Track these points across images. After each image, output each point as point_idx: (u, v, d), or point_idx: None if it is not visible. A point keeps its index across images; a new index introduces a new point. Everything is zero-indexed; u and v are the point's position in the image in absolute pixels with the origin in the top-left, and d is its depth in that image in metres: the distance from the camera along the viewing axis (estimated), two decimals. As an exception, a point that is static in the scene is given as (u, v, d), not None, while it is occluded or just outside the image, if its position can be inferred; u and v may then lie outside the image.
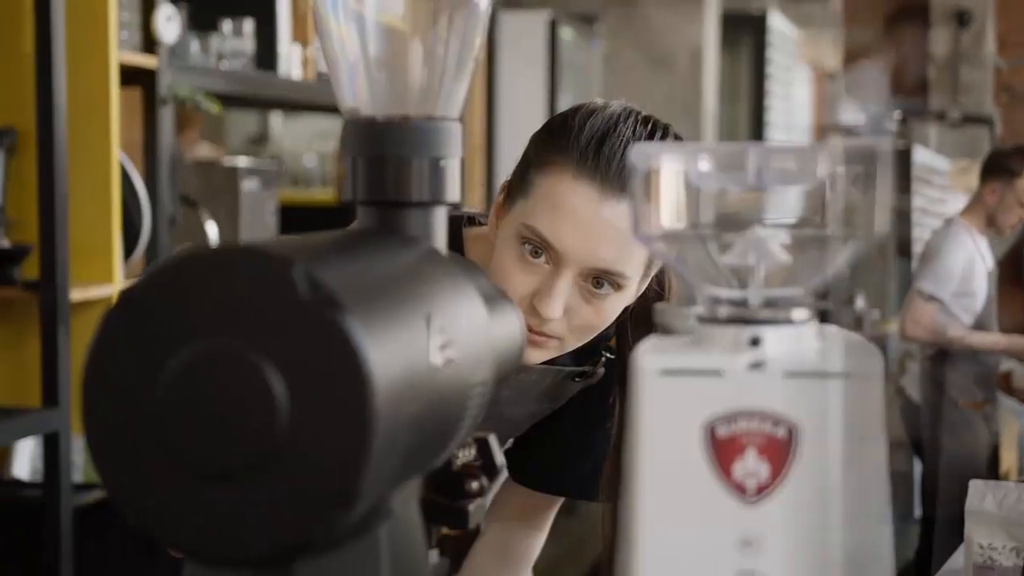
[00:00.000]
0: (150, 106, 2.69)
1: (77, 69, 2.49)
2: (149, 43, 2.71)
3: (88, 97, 2.52)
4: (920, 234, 7.10)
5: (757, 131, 7.47)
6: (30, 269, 2.45)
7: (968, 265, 4.30)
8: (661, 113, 1.36)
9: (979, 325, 4.36)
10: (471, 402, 0.75)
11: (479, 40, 0.85)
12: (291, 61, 3.27)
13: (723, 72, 6.93)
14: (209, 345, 0.62)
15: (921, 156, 7.05)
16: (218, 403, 0.61)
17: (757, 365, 0.69)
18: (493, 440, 0.90)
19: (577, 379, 1.45)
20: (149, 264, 2.65)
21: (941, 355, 4.34)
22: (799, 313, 0.72)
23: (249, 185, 3.12)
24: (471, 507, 0.85)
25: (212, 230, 2.97)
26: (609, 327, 1.37)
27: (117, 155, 2.53)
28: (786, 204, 0.74)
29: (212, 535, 0.62)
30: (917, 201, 6.64)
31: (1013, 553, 1.97)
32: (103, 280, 2.52)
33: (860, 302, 3.85)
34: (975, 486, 2.06)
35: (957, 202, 8.59)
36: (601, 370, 1.45)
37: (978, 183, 4.43)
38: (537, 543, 1.56)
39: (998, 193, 4.30)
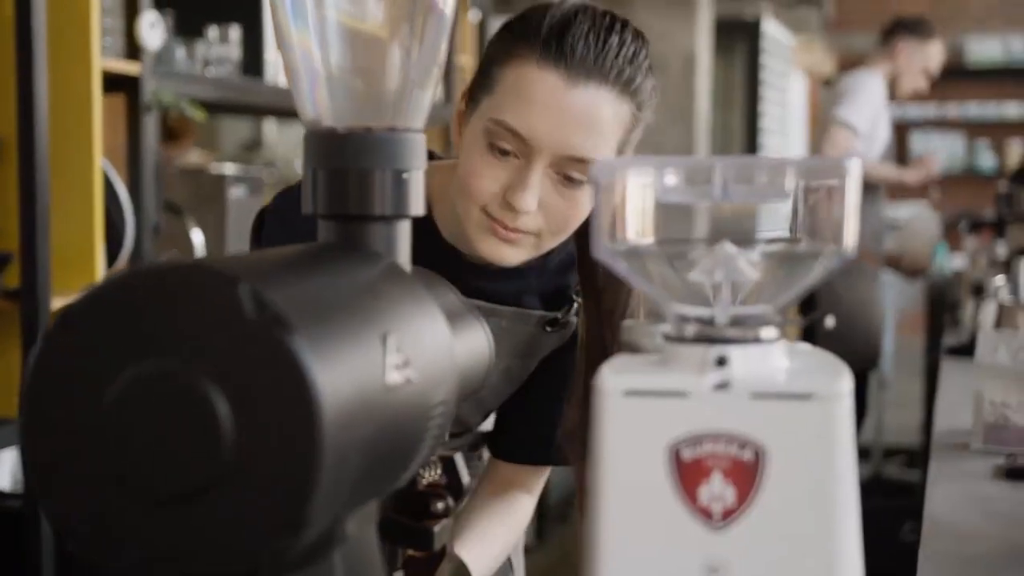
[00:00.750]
0: (134, 113, 2.66)
1: (60, 76, 2.47)
2: (133, 49, 2.68)
3: (71, 104, 2.49)
4: (765, 108, 7.27)
5: (751, 137, 7.45)
6: (11, 277, 2.43)
7: (878, 111, 4.45)
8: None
9: None
10: (432, 422, 0.73)
11: (444, 47, 0.83)
12: (278, 68, 3.25)
13: (717, 78, 6.91)
14: (152, 366, 0.60)
15: (770, 28, 7.11)
16: (161, 426, 0.59)
17: (723, 386, 0.67)
18: (459, 459, 0.88)
19: (549, 328, 1.43)
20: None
21: None
22: (767, 332, 0.70)
23: (236, 192, 3.10)
24: (436, 528, 0.83)
25: (197, 238, 2.95)
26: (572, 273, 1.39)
27: (100, 162, 2.51)
28: (756, 219, 0.72)
29: (156, 562, 0.60)
30: (763, 75, 6.87)
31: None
32: (86, 288, 2.49)
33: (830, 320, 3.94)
34: (986, 336, 1.92)
35: (798, 78, 8.68)
36: (574, 319, 1.45)
37: (881, 42, 4.59)
38: (530, 507, 1.54)
39: (906, 54, 4.45)
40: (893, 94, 4.57)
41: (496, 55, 1.29)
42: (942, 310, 4.70)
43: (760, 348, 0.69)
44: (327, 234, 0.79)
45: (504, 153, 1.26)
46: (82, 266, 2.49)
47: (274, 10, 0.81)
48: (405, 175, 0.79)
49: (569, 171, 1.26)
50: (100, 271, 2.50)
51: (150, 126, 2.68)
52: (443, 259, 1.35)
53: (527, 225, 1.28)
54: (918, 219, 4.85)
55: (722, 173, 0.68)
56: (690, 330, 0.70)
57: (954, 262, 6.24)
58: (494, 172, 1.27)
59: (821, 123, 4.49)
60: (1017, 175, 4.15)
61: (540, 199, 1.26)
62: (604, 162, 0.69)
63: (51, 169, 2.42)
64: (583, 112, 1.24)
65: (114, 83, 2.65)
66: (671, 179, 0.69)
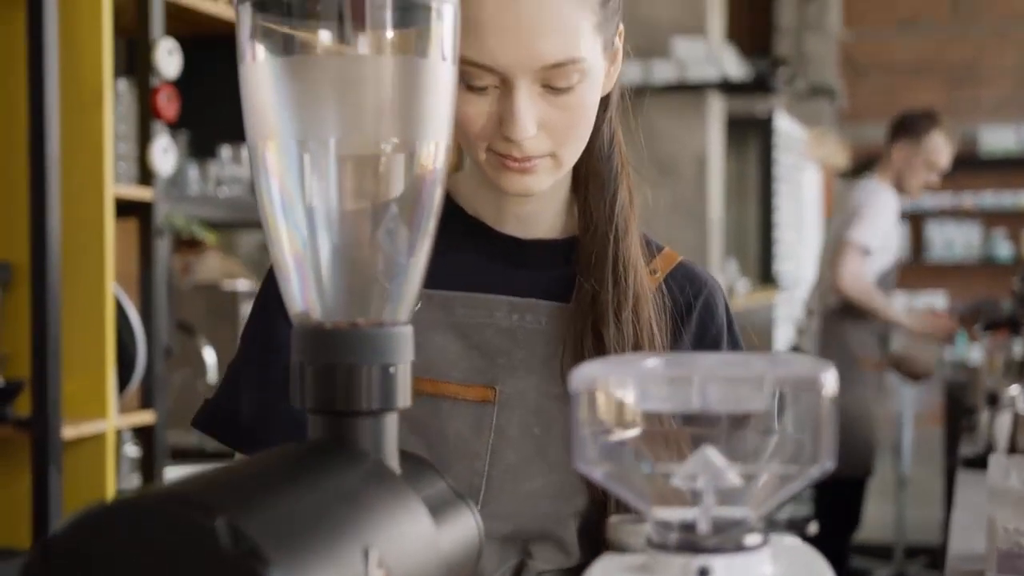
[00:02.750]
0: (146, 237, 2.69)
1: (72, 202, 2.50)
2: (146, 174, 2.72)
3: (83, 230, 2.52)
4: (779, 203, 7.26)
5: (766, 232, 7.47)
6: (22, 406, 2.43)
7: (891, 224, 4.47)
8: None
9: (882, 281, 4.52)
10: (416, 627, 0.72)
11: (428, 245, 0.84)
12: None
13: (730, 174, 6.95)
14: (130, 599, 0.60)
15: (783, 123, 7.12)
16: (139, 660, 0.59)
17: (705, 600, 0.66)
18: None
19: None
20: (145, 397, 2.63)
21: (844, 310, 4.44)
22: (751, 538, 0.69)
23: (249, 308, 3.11)
24: None
25: (210, 357, 2.96)
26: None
27: (112, 289, 2.53)
28: (737, 427, 0.72)
29: None
30: (777, 170, 6.87)
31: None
32: (97, 416, 2.50)
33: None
34: (997, 461, 1.89)
35: (812, 170, 8.69)
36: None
37: (885, 145, 4.61)
38: None
39: (905, 153, 4.46)
40: (904, 190, 4.59)
41: None
42: (959, 412, 4.67)
43: (744, 557, 0.69)
44: (315, 429, 0.80)
45: (483, 89, 1.18)
46: (93, 393, 2.50)
47: (261, 207, 0.82)
48: (392, 369, 0.80)
49: (553, 81, 1.17)
50: (111, 398, 2.50)
51: (162, 250, 2.70)
52: (471, 244, 1.30)
53: (536, 149, 1.20)
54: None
55: (700, 382, 0.68)
56: (672, 538, 0.69)
57: (973, 353, 6.21)
58: (480, 109, 1.18)
59: (834, 241, 4.50)
60: (1028, 276, 4.16)
61: (538, 119, 1.18)
62: (583, 372, 0.70)
63: (63, 295, 2.44)
64: (537, 16, 1.15)
65: (127, 208, 2.68)
66: (649, 387, 0.69)
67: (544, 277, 1.30)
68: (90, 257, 2.51)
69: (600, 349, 1.21)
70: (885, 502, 6.41)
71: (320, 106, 0.80)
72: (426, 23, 0.79)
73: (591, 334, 1.23)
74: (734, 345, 1.33)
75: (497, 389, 1.23)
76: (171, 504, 0.61)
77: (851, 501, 4.54)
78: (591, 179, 1.33)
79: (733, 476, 0.70)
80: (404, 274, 0.82)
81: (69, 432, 2.43)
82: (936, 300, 10.41)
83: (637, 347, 1.22)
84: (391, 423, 0.80)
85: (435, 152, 0.81)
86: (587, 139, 1.24)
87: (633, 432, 0.71)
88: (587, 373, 0.70)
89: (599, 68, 1.22)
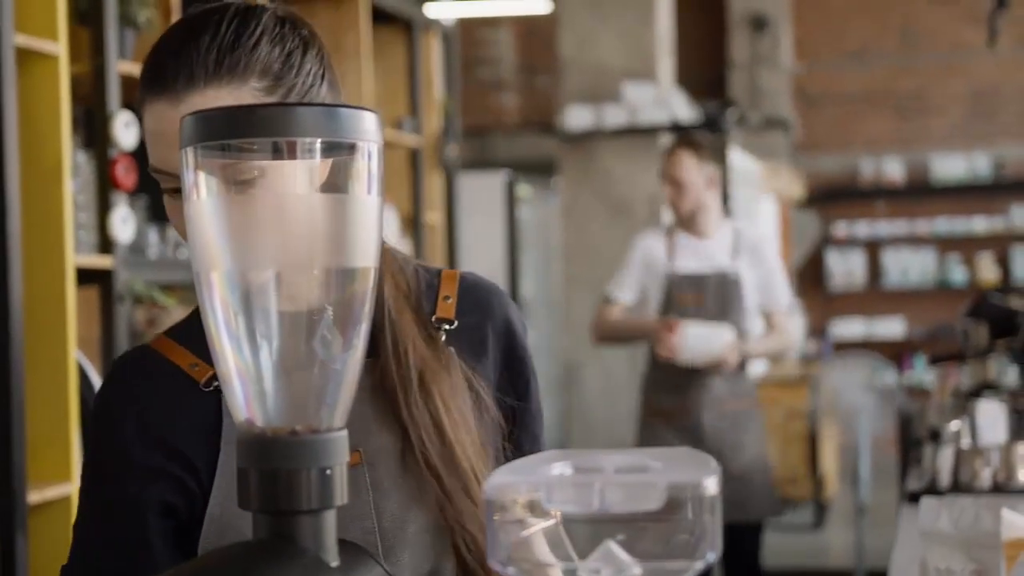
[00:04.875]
0: (107, 304, 2.76)
1: (34, 272, 2.57)
2: (106, 242, 2.79)
3: (45, 299, 2.59)
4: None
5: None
6: (-13, 472, 2.50)
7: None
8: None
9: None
10: None
11: (361, 349, 0.92)
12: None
13: (686, 211, 7.05)
14: None
15: (736, 159, 7.20)
16: None
17: None
18: None
19: None
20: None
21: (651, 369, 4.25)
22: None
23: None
24: None
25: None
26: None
27: (74, 355, 2.59)
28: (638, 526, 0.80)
29: None
30: (733, 204, 6.81)
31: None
32: (60, 479, 2.56)
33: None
34: (928, 504, 1.96)
35: (769, 201, 8.77)
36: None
37: None
38: None
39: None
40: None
41: (138, 111, 1.26)
42: (909, 443, 4.76)
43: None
44: (258, 528, 0.88)
45: (177, 192, 1.20)
46: (56, 456, 2.56)
47: (206, 325, 0.90)
48: (328, 471, 0.88)
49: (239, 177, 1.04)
50: (74, 461, 2.57)
51: (123, 316, 2.77)
52: None
53: None
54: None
55: (600, 487, 0.77)
56: (579, 626, 0.78)
57: (928, 376, 6.32)
58: (180, 212, 1.18)
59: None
60: (972, 311, 4.26)
61: None
62: (496, 482, 0.78)
63: (26, 363, 2.50)
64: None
65: (87, 276, 2.75)
66: (553, 493, 0.77)
67: None
68: (52, 325, 2.58)
69: (403, 424, 1.27)
70: (845, 528, 6.52)
71: (258, 238, 0.88)
72: (352, 161, 0.88)
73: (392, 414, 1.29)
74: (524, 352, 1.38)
75: (360, 451, 1.28)
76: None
77: (755, 548, 4.35)
78: None
79: (635, 569, 0.78)
80: (339, 380, 0.91)
81: (34, 497, 2.49)
82: (893, 326, 10.59)
83: (436, 423, 1.27)
84: (329, 519, 0.89)
85: (364, 273, 0.90)
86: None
87: (540, 528, 0.80)
88: (499, 482, 0.79)
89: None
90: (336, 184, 0.89)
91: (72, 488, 2.59)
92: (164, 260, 3.04)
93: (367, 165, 0.88)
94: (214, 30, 1.20)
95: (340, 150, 0.88)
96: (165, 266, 3.03)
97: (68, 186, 2.62)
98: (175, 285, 3.02)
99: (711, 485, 0.76)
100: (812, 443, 7.15)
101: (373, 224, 0.90)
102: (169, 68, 1.20)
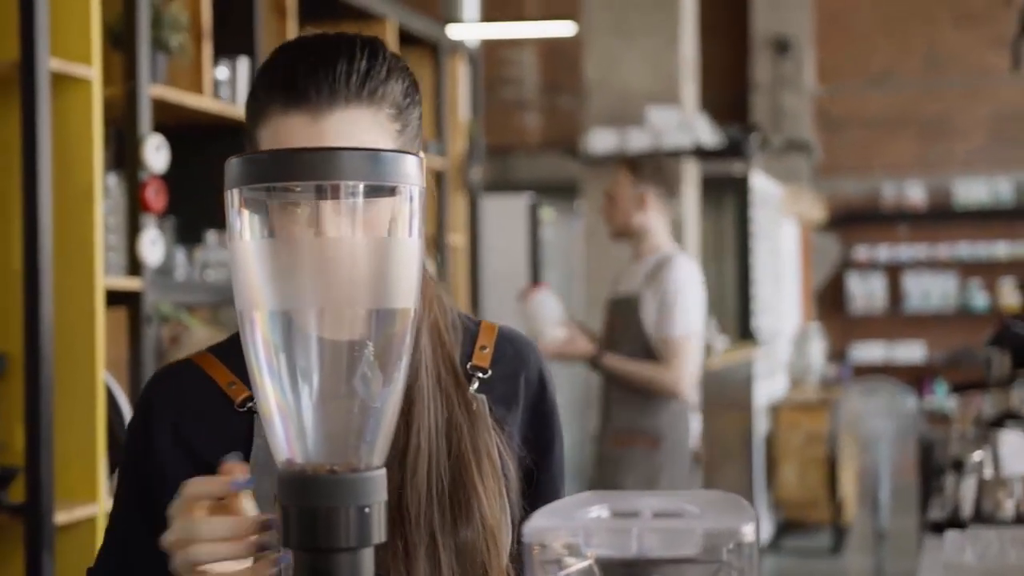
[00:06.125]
0: (135, 325, 2.78)
1: (65, 294, 2.59)
2: (135, 265, 2.81)
3: (75, 321, 2.61)
4: (756, 258, 7.25)
5: (743, 287, 7.57)
6: (16, 492, 2.52)
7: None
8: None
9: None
10: None
11: (401, 386, 0.93)
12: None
13: (707, 232, 7.05)
14: None
15: (759, 182, 7.18)
16: None
17: None
18: None
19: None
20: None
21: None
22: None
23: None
24: None
25: (197, 436, 3.04)
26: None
27: (102, 376, 2.62)
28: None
29: None
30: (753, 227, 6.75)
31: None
32: (87, 500, 2.58)
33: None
34: (952, 538, 1.97)
35: (790, 224, 8.74)
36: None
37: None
38: None
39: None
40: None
41: (251, 118, 1.25)
42: (929, 469, 4.73)
43: None
44: (298, 565, 0.89)
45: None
46: (84, 478, 2.58)
47: (249, 365, 0.92)
48: (367, 510, 0.90)
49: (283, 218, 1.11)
50: (102, 482, 2.59)
51: (150, 337, 2.80)
52: None
53: None
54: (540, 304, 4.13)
55: (638, 532, 0.78)
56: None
57: (949, 402, 6.27)
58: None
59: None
60: (994, 339, 4.24)
61: None
62: (535, 526, 0.79)
63: (55, 384, 2.53)
64: (336, 140, 1.19)
65: (116, 298, 2.78)
66: (592, 538, 0.79)
67: None
68: (82, 347, 2.60)
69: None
70: (863, 553, 6.49)
71: (301, 279, 0.90)
72: (394, 203, 0.90)
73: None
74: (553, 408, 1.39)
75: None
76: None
77: None
78: None
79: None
80: (378, 418, 0.92)
81: (61, 517, 2.51)
82: (914, 350, 10.56)
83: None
84: (367, 557, 0.90)
85: (403, 314, 0.91)
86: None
87: (576, 570, 0.81)
88: (538, 525, 0.80)
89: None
90: (378, 226, 0.91)
91: (99, 509, 2.61)
92: (191, 282, 3.07)
93: (409, 207, 0.90)
94: (348, 55, 1.21)
95: (382, 192, 0.90)
96: (192, 288, 3.05)
97: (99, 208, 2.64)
98: (201, 305, 3.04)
99: (749, 532, 0.77)
100: (831, 467, 7.13)
101: (414, 265, 0.91)
102: (310, 84, 1.19)
